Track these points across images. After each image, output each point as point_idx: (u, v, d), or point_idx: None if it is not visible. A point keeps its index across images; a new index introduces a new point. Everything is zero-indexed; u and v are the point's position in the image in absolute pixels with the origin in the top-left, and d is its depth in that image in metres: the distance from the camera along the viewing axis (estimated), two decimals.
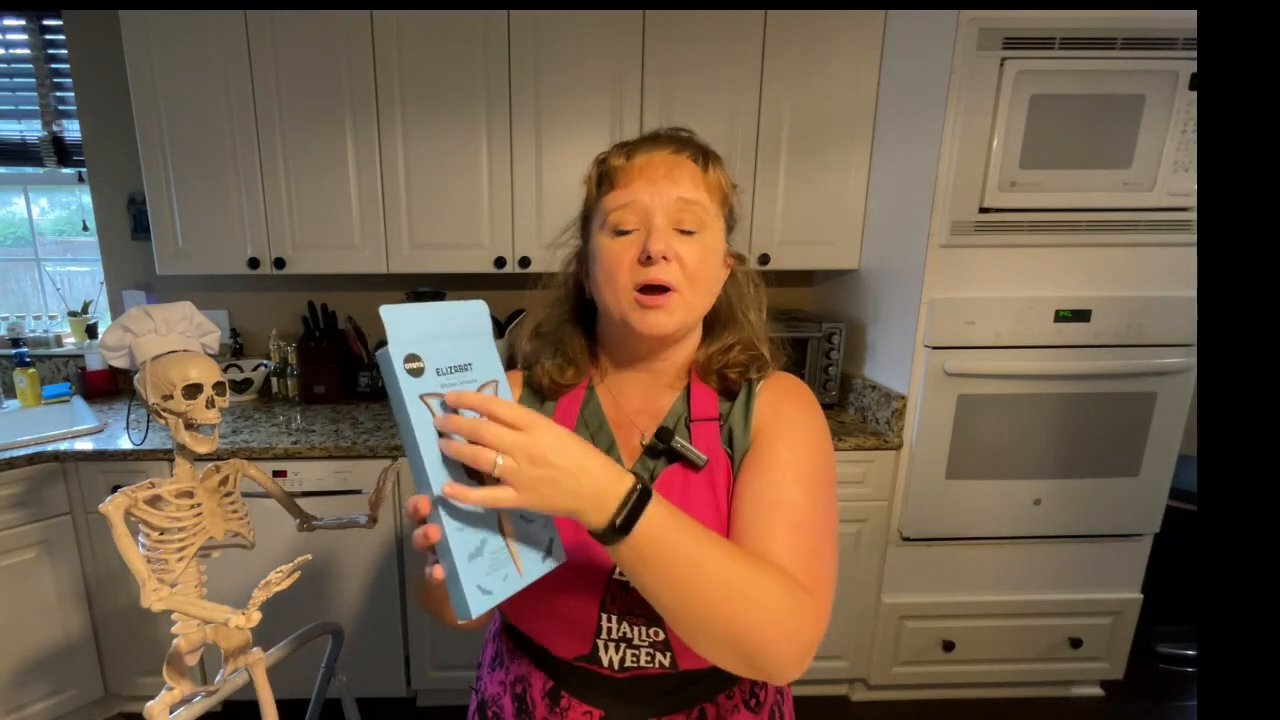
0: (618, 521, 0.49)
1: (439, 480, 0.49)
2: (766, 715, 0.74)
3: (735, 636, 0.53)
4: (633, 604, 0.65)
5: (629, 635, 0.66)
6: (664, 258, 0.62)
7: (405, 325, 0.50)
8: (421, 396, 0.49)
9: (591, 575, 0.65)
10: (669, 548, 0.51)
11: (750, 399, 0.70)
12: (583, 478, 0.49)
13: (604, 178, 0.67)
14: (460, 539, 0.50)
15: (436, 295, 2.12)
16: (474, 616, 0.50)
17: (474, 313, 0.56)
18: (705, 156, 0.67)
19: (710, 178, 0.66)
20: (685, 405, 0.71)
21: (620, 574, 0.65)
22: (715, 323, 0.73)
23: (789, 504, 0.62)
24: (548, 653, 0.69)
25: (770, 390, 0.70)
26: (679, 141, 0.67)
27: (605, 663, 0.67)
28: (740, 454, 0.67)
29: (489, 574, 0.51)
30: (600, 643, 0.66)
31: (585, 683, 0.68)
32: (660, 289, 0.63)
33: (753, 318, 0.72)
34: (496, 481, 0.49)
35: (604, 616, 0.65)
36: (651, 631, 0.65)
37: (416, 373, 0.49)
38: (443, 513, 0.49)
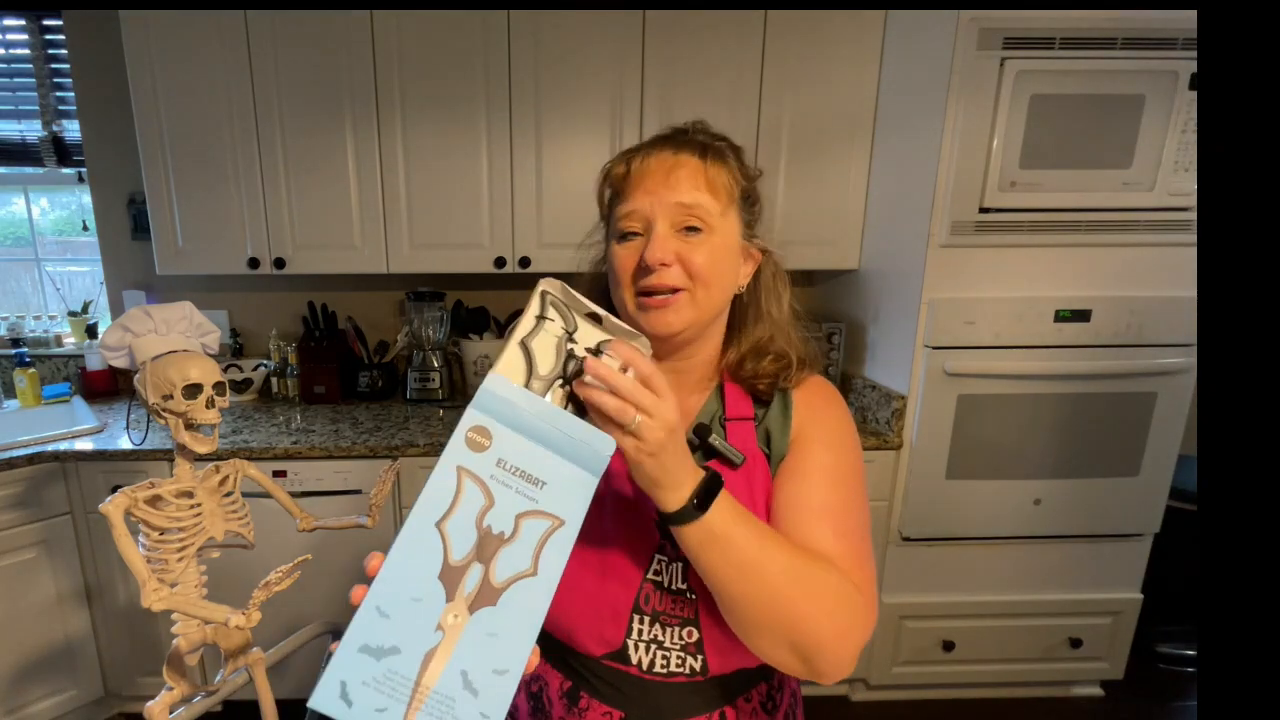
0: (695, 501, 0.53)
1: (419, 548, 0.41)
2: (781, 719, 0.74)
3: (792, 627, 0.56)
4: (667, 605, 0.65)
5: (660, 638, 0.66)
6: (662, 264, 0.62)
7: (499, 399, 0.44)
8: (459, 466, 0.43)
9: (626, 576, 0.65)
10: (737, 533, 0.55)
11: (788, 403, 0.70)
12: (682, 457, 0.53)
13: (611, 186, 0.68)
14: (370, 619, 0.40)
15: (436, 295, 2.12)
16: (313, 708, 0.39)
17: (592, 446, 0.47)
18: (707, 151, 0.65)
19: (715, 172, 0.64)
20: (719, 403, 0.71)
21: (655, 574, 0.65)
22: (740, 319, 0.72)
23: (833, 509, 0.63)
24: (571, 651, 0.69)
25: (804, 391, 0.71)
26: (678, 141, 0.66)
27: (634, 662, 0.66)
28: (778, 456, 0.67)
29: (367, 685, 0.39)
30: (631, 642, 0.66)
31: (609, 682, 0.68)
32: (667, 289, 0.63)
33: (774, 312, 0.72)
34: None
35: (636, 618, 0.65)
36: (685, 633, 0.65)
37: (476, 447, 0.43)
38: (379, 582, 0.41)
